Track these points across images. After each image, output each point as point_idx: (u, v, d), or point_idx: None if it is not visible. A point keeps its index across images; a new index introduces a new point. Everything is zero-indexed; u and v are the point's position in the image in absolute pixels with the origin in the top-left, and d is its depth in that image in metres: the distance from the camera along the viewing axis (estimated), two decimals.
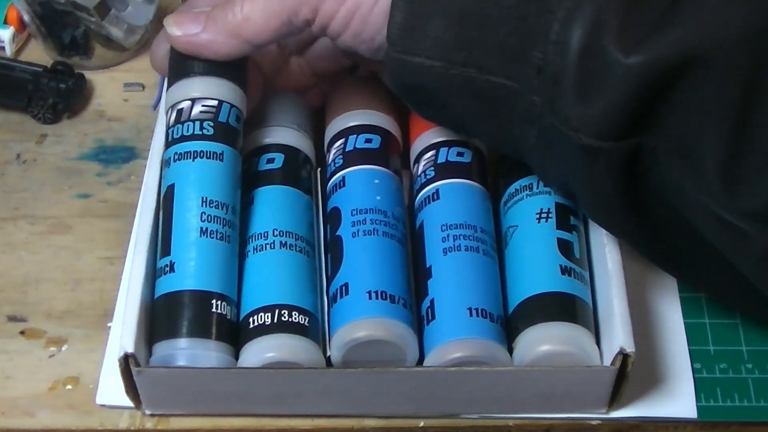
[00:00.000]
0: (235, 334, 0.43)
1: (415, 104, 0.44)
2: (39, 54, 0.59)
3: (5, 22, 0.59)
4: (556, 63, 0.38)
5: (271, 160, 0.47)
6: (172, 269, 0.42)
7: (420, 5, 0.41)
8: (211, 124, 0.44)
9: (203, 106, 0.45)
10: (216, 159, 0.44)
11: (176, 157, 0.44)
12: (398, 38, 0.41)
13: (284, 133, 0.49)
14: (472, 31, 0.40)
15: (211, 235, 0.43)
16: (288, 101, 0.50)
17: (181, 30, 0.45)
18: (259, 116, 0.49)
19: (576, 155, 0.39)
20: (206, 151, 0.44)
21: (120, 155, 0.55)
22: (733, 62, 0.37)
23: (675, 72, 0.37)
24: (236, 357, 0.43)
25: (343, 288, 0.43)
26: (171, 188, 0.44)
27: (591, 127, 0.38)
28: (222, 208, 0.43)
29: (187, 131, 0.44)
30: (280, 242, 0.45)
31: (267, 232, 0.45)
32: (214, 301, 0.42)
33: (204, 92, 0.45)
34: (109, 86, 0.58)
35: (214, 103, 0.45)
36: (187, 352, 0.41)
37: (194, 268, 0.42)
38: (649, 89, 0.37)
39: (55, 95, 0.55)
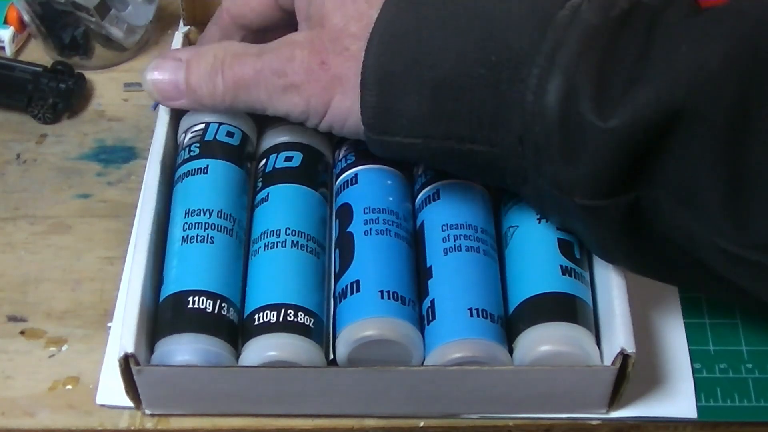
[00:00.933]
0: (219, 322, 0.42)
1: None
2: (39, 54, 0.59)
3: (5, 22, 0.59)
4: (536, 132, 0.38)
5: (289, 158, 0.48)
6: (162, 281, 0.44)
7: (391, 85, 0.40)
8: (198, 145, 0.47)
9: (192, 132, 0.47)
10: (200, 173, 0.46)
11: (174, 183, 0.46)
12: (374, 122, 0.41)
13: (304, 132, 0.49)
14: (447, 104, 0.40)
15: (192, 240, 0.44)
16: None
17: (161, 94, 0.46)
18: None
19: (573, 211, 0.39)
20: (191, 170, 0.46)
21: (120, 155, 0.55)
22: (717, 104, 0.36)
23: (659, 128, 0.37)
24: (229, 350, 0.42)
25: (354, 285, 0.43)
26: (170, 212, 0.46)
27: (582, 188, 0.38)
28: (204, 214, 0.44)
29: (180, 159, 0.47)
30: (292, 241, 0.45)
31: (279, 231, 0.45)
32: (190, 298, 0.42)
33: (193, 121, 0.48)
34: (109, 86, 0.58)
35: (201, 126, 0.47)
36: (163, 349, 0.42)
37: (174, 274, 0.44)
38: (634, 148, 0.37)
39: (55, 95, 0.55)
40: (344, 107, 0.42)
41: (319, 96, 0.42)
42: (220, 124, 0.47)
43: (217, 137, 0.47)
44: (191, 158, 0.46)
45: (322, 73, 0.42)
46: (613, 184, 0.38)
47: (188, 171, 0.46)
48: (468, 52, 0.39)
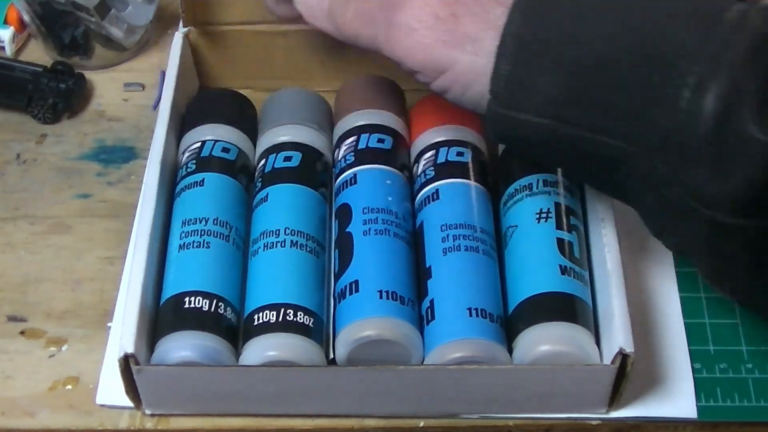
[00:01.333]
0: (217, 320, 0.43)
1: (514, 150, 0.41)
2: (39, 54, 0.59)
3: (5, 22, 0.59)
4: (686, 133, 0.35)
5: (288, 158, 0.48)
6: (162, 286, 0.44)
7: (529, 58, 0.37)
8: (194, 162, 0.48)
9: (189, 151, 0.48)
10: (196, 186, 0.47)
11: (174, 199, 0.47)
12: (503, 92, 0.38)
13: (303, 132, 0.49)
14: (588, 89, 0.37)
15: (188, 247, 0.44)
16: (308, 100, 0.51)
17: (306, 10, 0.44)
18: (278, 114, 0.50)
19: (704, 228, 0.37)
20: (188, 184, 0.47)
21: (120, 155, 0.55)
22: None
23: None
24: (228, 347, 0.43)
25: (353, 285, 0.43)
26: (170, 214, 0.47)
27: (726, 203, 0.35)
28: (201, 222, 0.45)
29: (178, 176, 0.48)
30: (291, 241, 0.45)
31: (279, 230, 0.45)
32: (187, 298, 0.43)
33: (190, 140, 0.49)
34: (109, 86, 0.58)
35: (197, 145, 0.48)
36: (161, 348, 0.42)
37: (172, 279, 0.44)
38: None
39: (55, 95, 0.55)
40: (472, 70, 0.39)
41: (441, 49, 0.39)
42: (216, 141, 0.48)
43: (213, 153, 0.48)
44: (188, 174, 0.47)
45: (450, 25, 0.39)
46: (761, 202, 0.35)
47: (186, 186, 0.47)
48: (620, 37, 0.36)
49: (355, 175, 0.47)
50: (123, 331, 0.41)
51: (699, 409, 0.44)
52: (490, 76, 0.38)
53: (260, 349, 0.42)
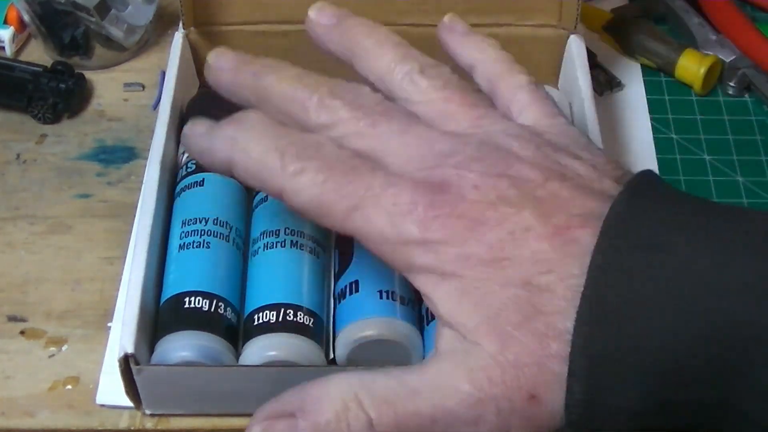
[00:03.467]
0: (217, 320, 0.43)
1: None
2: (39, 54, 0.59)
3: (5, 22, 0.59)
4: None
5: None
6: (162, 286, 0.44)
7: (604, 374, 0.33)
8: (194, 162, 0.47)
9: None
10: (196, 186, 0.46)
11: (174, 199, 0.47)
12: (580, 419, 0.34)
13: None
14: (670, 395, 0.33)
15: (188, 247, 0.44)
16: None
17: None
18: None
19: None
20: (188, 184, 0.47)
21: (120, 155, 0.55)
22: None
23: None
24: (228, 347, 0.43)
25: (353, 285, 0.43)
26: (170, 215, 0.47)
27: None
28: (201, 222, 0.45)
29: (178, 177, 0.48)
30: (291, 241, 0.45)
31: (278, 230, 0.45)
32: (187, 298, 0.43)
33: None
34: (109, 86, 0.58)
35: None
36: (161, 348, 0.42)
37: (172, 279, 0.44)
38: None
39: (55, 95, 0.55)
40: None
41: None
42: None
43: None
44: (188, 174, 0.47)
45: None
46: None
47: (185, 186, 0.47)
48: (693, 330, 0.32)
49: None
50: (123, 331, 0.41)
51: None
52: (563, 401, 0.34)
53: (260, 349, 0.42)
